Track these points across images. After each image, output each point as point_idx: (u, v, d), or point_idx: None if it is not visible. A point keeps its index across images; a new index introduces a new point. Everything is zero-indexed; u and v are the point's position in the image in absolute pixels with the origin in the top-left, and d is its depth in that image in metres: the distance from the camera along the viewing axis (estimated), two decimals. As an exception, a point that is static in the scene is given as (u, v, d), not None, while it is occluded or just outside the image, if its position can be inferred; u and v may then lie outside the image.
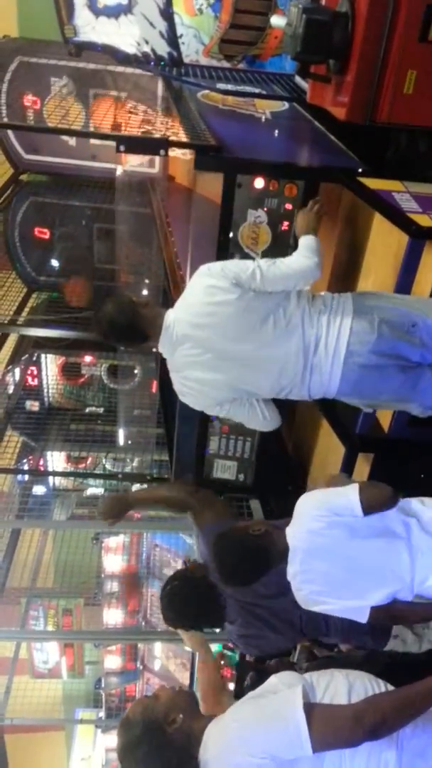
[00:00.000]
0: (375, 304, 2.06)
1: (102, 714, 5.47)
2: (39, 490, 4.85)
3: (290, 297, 2.11)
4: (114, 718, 5.37)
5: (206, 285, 2.09)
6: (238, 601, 2.21)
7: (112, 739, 5.70)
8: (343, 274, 2.70)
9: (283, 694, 1.68)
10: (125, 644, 5.44)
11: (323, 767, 1.60)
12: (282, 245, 2.64)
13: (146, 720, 1.71)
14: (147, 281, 3.75)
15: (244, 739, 1.63)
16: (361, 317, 2.03)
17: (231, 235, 2.66)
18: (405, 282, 2.08)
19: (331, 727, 1.57)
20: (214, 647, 3.95)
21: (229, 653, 4.05)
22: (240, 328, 2.07)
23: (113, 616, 5.15)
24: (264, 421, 2.31)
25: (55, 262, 4.45)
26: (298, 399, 2.26)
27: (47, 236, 4.44)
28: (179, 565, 5.11)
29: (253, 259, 2.69)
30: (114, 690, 5.37)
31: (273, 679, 1.79)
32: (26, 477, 4.67)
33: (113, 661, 5.26)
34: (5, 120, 3.90)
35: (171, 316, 2.17)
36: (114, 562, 5.27)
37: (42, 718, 5.85)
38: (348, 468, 2.53)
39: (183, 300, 2.19)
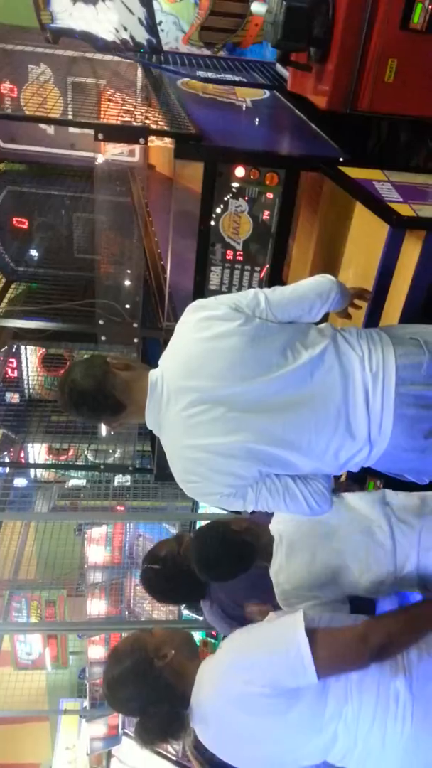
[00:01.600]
0: (408, 330, 1.75)
1: (86, 704, 5.47)
2: (20, 482, 4.82)
3: (310, 326, 1.71)
4: (98, 708, 5.39)
5: (198, 319, 1.65)
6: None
7: (96, 728, 5.72)
8: (323, 264, 2.70)
9: (282, 620, 1.59)
10: (109, 634, 5.45)
11: (327, 700, 1.51)
12: (263, 234, 2.64)
13: (135, 651, 1.63)
14: (128, 271, 3.72)
15: (241, 667, 1.53)
16: (403, 342, 1.68)
17: (212, 224, 2.66)
18: (386, 271, 2.08)
19: (335, 649, 1.49)
20: (198, 635, 3.97)
21: (212, 641, 4.08)
22: (252, 362, 1.59)
23: (97, 606, 5.15)
24: (309, 510, 1.68)
25: (34, 252, 4.40)
26: (340, 468, 1.72)
27: (26, 226, 4.38)
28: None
29: (234, 249, 2.70)
30: (98, 680, 5.37)
31: (270, 614, 1.70)
32: (7, 469, 4.64)
33: (97, 651, 5.26)
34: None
35: (157, 371, 1.69)
36: (97, 552, 5.26)
37: (26, 710, 5.86)
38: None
39: (170, 348, 1.71)
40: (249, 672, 1.50)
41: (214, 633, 3.85)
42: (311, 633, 1.49)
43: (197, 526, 3.71)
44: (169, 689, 1.59)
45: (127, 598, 5.30)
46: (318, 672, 1.46)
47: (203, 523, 3.65)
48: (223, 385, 1.58)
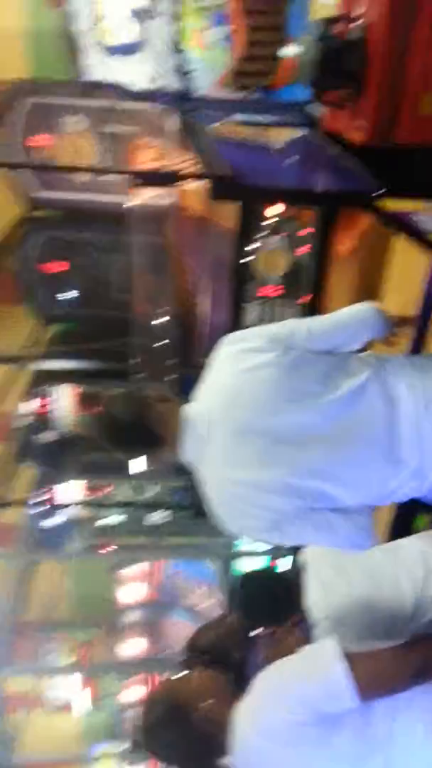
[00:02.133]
0: None
1: (127, 746, 5.35)
2: (56, 520, 4.83)
3: (351, 354, 1.66)
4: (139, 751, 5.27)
5: (235, 352, 1.62)
6: None
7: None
8: (363, 296, 2.72)
9: (314, 647, 1.53)
10: (147, 674, 5.36)
11: (372, 722, 1.43)
12: (300, 271, 2.67)
13: (170, 703, 1.55)
14: (164, 309, 3.79)
15: (277, 697, 1.45)
16: None
17: (248, 260, 2.70)
18: (429, 300, 2.09)
19: (374, 670, 1.42)
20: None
21: None
22: (291, 393, 1.56)
23: (133, 646, 5.09)
24: (351, 546, 1.61)
25: (71, 295, 4.51)
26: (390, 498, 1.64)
27: (63, 270, 4.50)
28: (201, 592, 5.07)
29: (270, 284, 2.74)
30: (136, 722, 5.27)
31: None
32: (43, 508, 4.66)
33: (137, 691, 5.17)
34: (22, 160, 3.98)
35: (193, 406, 1.65)
36: (133, 591, 5.22)
37: (57, 756, 5.74)
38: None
39: (205, 384, 1.68)
40: (287, 702, 1.43)
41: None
42: (347, 656, 1.43)
43: (236, 565, 3.67)
44: (208, 740, 1.52)
45: (166, 636, 5.22)
46: (359, 694, 1.40)
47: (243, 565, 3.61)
48: (262, 416, 1.54)
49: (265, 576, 1.82)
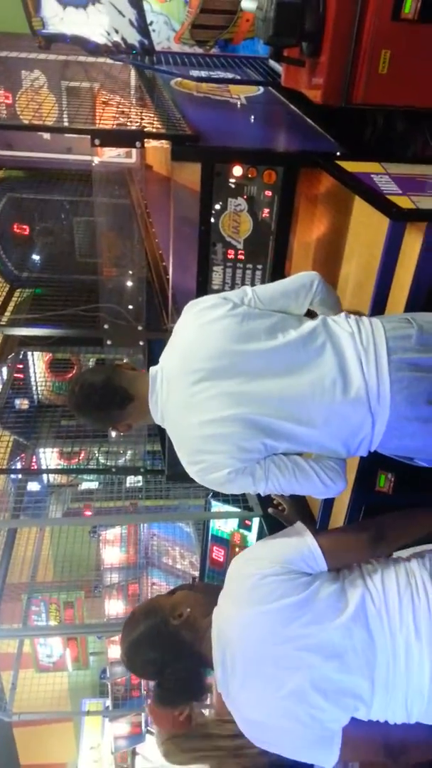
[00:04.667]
0: (395, 313, 1.86)
1: (109, 704, 5.51)
2: (33, 487, 4.85)
3: (300, 316, 1.82)
4: (120, 708, 5.43)
5: (194, 312, 1.80)
6: None
7: (119, 727, 5.77)
8: (324, 259, 2.69)
9: (284, 533, 1.61)
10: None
11: (344, 583, 1.50)
12: (264, 233, 2.63)
13: (151, 613, 1.61)
14: (130, 274, 3.73)
15: (248, 563, 1.53)
16: (390, 319, 1.79)
17: (212, 223, 2.66)
18: (388, 265, 2.07)
19: (336, 538, 1.57)
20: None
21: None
22: (245, 336, 1.70)
23: (115, 606, 5.19)
24: (323, 486, 1.70)
25: (37, 258, 4.42)
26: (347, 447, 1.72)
27: (27, 232, 4.39)
28: (177, 553, 5.16)
29: (235, 248, 2.70)
30: (120, 679, 5.41)
31: None
32: (19, 475, 4.67)
33: (117, 650, 5.28)
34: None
35: (157, 366, 1.84)
36: (112, 553, 5.29)
37: (49, 712, 5.91)
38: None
39: (169, 345, 1.84)
40: (257, 562, 1.49)
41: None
42: (315, 533, 1.54)
43: (211, 525, 3.72)
44: (186, 647, 1.55)
45: (144, 597, 5.33)
46: (325, 556, 1.48)
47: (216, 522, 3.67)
48: (220, 361, 1.67)
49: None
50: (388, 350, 1.66)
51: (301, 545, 1.50)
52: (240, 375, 1.66)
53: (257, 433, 1.65)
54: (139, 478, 4.46)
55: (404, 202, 2.02)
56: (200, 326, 1.74)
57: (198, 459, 1.71)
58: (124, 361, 1.85)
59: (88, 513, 4.76)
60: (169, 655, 1.55)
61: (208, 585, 1.81)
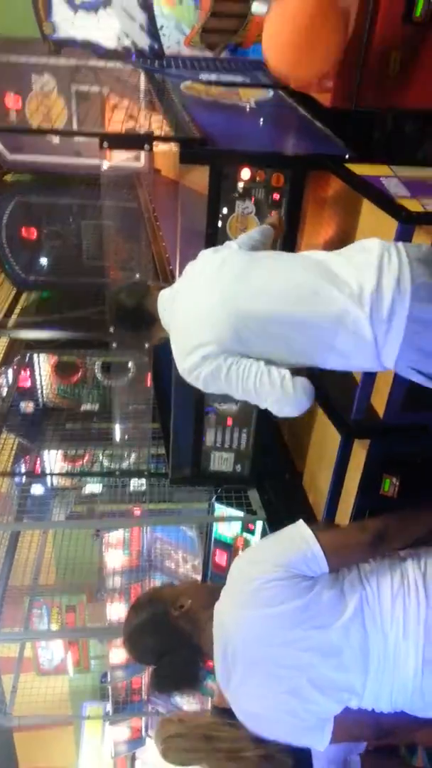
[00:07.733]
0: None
1: (109, 707, 5.48)
2: (37, 490, 4.85)
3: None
4: (121, 712, 5.40)
5: (207, 253, 2.00)
6: None
7: (119, 731, 5.74)
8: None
9: (287, 532, 1.60)
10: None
11: (344, 587, 1.50)
12: (271, 235, 2.64)
13: (153, 602, 1.63)
14: (137, 275, 3.73)
15: (250, 565, 1.54)
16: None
17: (219, 226, 2.66)
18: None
19: (337, 538, 1.56)
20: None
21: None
22: (241, 263, 1.86)
23: (117, 610, 5.16)
24: (282, 392, 1.72)
25: (44, 261, 4.43)
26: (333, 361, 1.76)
27: (34, 236, 4.41)
28: (180, 557, 5.14)
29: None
30: (120, 683, 5.39)
31: None
32: (23, 478, 4.67)
33: (119, 654, 5.26)
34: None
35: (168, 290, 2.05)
36: (115, 556, 5.28)
37: (49, 716, 5.88)
38: (344, 455, 2.53)
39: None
40: (261, 565, 1.50)
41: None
42: (313, 528, 1.54)
43: (214, 529, 3.70)
44: (185, 638, 1.57)
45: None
46: (327, 559, 1.48)
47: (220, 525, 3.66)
48: (215, 271, 1.86)
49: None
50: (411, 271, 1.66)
51: (303, 548, 1.50)
52: (232, 267, 1.86)
53: (229, 328, 1.77)
54: (143, 481, 4.46)
55: (413, 205, 2.02)
56: (206, 262, 1.94)
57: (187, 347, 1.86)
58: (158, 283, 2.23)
59: (93, 515, 4.75)
60: (167, 644, 1.58)
61: (212, 582, 1.82)
